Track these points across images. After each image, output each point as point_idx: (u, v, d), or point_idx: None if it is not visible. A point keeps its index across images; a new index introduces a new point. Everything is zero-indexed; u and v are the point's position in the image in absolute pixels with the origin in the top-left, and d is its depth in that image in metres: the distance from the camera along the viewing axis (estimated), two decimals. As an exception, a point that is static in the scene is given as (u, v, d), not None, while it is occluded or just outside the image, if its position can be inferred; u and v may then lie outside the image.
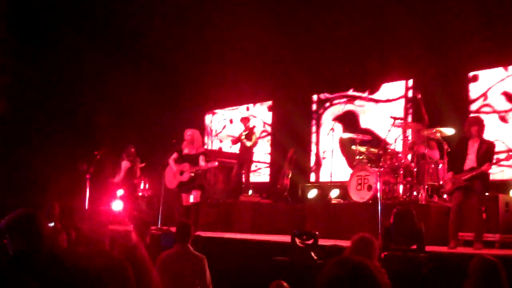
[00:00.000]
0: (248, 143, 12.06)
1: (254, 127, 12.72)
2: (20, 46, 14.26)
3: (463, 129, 7.94)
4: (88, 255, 1.93)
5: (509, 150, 9.98)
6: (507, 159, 7.63)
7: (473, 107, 10.82)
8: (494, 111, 10.58)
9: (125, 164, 11.51)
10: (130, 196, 11.60)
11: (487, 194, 7.74)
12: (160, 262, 5.65)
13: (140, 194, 12.08)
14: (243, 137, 12.10)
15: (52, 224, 9.04)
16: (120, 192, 11.97)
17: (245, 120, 12.64)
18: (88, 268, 1.96)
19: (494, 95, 10.63)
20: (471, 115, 8.77)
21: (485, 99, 10.73)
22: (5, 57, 14.03)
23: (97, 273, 1.95)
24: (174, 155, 9.85)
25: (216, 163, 9.94)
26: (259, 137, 14.04)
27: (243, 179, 12.37)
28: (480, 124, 7.71)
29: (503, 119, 10.45)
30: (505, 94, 10.50)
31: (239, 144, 12.46)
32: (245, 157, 12.23)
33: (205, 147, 14.24)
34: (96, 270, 1.95)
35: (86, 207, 10.51)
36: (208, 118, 16.20)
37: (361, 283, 2.08)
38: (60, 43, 14.37)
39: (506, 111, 10.43)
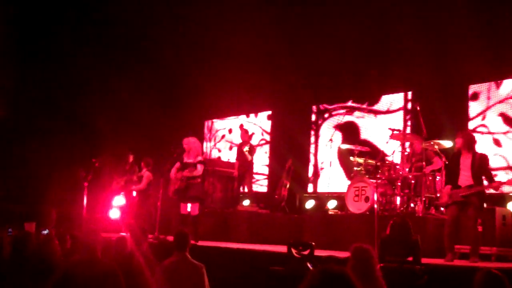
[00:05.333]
0: (249, 157, 12.04)
1: (252, 135, 12.63)
2: (21, 52, 14.31)
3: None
4: (80, 262, 1.92)
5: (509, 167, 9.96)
6: (509, 183, 7.57)
7: (471, 125, 10.79)
8: (489, 132, 10.56)
9: (147, 175, 11.38)
10: (142, 205, 11.51)
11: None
12: (159, 271, 5.64)
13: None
14: (245, 149, 12.01)
15: (46, 232, 9.04)
16: (118, 200, 11.95)
17: (244, 132, 12.60)
18: (77, 275, 1.96)
19: (492, 116, 10.60)
20: (461, 130, 8.66)
21: (483, 119, 10.71)
22: (5, 61, 14.07)
23: (88, 280, 1.96)
24: (177, 165, 9.86)
25: (199, 168, 9.78)
26: (257, 145, 14.05)
27: (245, 189, 12.37)
28: (467, 137, 7.67)
29: (497, 143, 10.40)
30: (502, 115, 10.48)
31: (235, 153, 12.47)
32: (246, 168, 12.18)
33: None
34: (87, 277, 1.96)
35: (84, 215, 10.51)
36: (207, 126, 16.19)
37: None
38: (60, 50, 14.41)
39: (504, 133, 10.41)
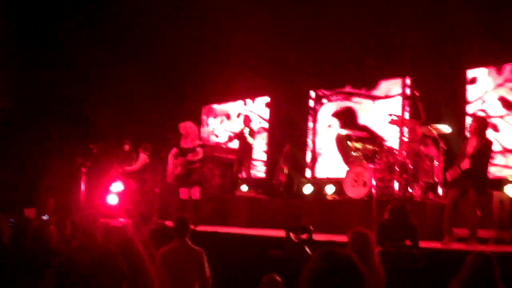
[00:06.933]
0: (251, 140, 12.02)
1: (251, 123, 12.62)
2: (19, 41, 14.25)
3: (460, 128, 7.93)
4: (80, 248, 1.93)
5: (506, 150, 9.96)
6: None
7: (469, 109, 10.79)
8: (488, 116, 10.56)
9: (143, 158, 11.43)
10: (139, 190, 11.53)
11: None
12: (159, 257, 5.65)
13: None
14: (246, 131, 11.97)
15: (45, 217, 9.07)
16: (116, 186, 11.96)
17: (247, 119, 12.53)
18: (78, 259, 1.96)
19: (491, 100, 10.60)
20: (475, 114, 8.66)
21: (482, 103, 10.69)
22: (3, 50, 14.02)
23: (87, 265, 1.96)
24: (173, 151, 9.80)
25: (200, 152, 9.75)
26: (257, 133, 14.04)
27: (243, 175, 12.36)
28: (481, 123, 7.67)
29: (495, 128, 10.39)
30: (502, 99, 10.46)
31: (236, 140, 12.46)
32: (245, 153, 12.17)
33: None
34: (86, 262, 1.96)
35: (82, 201, 10.52)
36: (205, 112, 16.16)
37: (345, 276, 2.07)
38: (58, 38, 14.36)
39: (501, 116, 10.40)
